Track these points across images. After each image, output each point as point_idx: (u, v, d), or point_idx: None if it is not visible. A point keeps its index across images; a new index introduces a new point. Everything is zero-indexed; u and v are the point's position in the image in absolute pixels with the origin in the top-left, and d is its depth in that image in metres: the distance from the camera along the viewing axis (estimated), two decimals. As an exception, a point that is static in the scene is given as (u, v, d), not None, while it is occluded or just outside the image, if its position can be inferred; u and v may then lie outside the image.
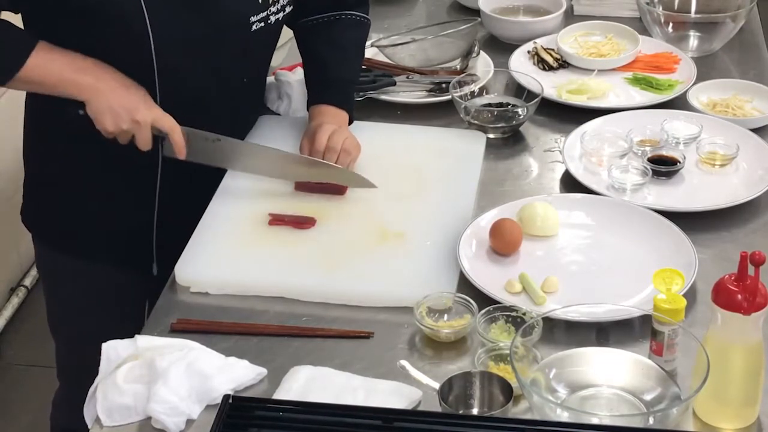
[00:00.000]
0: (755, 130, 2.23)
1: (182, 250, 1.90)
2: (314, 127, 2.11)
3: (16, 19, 1.95)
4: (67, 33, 1.90)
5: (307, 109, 2.19)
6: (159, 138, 1.96)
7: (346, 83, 2.20)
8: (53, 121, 2.02)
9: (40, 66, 1.88)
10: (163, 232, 2.09)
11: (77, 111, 1.92)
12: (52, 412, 2.38)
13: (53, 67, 1.89)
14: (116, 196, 2.07)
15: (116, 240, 2.11)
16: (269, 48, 2.13)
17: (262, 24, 2.00)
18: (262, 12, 1.99)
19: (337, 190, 2.05)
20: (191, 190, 2.05)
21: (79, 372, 1.78)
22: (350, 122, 2.18)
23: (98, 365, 1.66)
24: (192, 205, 2.01)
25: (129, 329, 1.73)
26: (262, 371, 1.66)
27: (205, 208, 2.02)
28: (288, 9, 2.06)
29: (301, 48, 2.23)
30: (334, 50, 2.18)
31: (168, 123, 1.94)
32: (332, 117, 2.13)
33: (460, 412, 1.58)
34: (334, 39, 2.17)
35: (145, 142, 1.93)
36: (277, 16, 2.03)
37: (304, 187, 2.06)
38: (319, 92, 2.18)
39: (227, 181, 2.08)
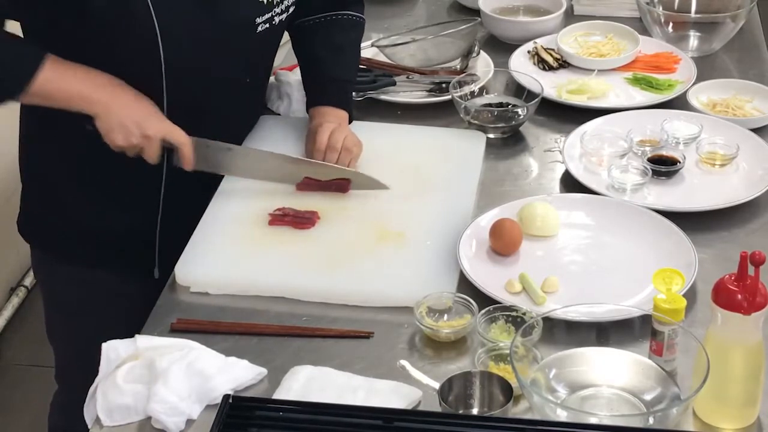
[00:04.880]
0: (755, 130, 2.23)
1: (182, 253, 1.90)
2: (315, 127, 2.11)
3: (15, 29, 1.93)
4: (74, 41, 1.89)
5: (307, 111, 2.19)
6: (166, 148, 1.95)
7: (345, 83, 2.20)
8: (51, 124, 2.00)
9: (50, 81, 1.86)
10: (166, 235, 2.09)
11: (86, 126, 1.90)
12: (50, 414, 2.37)
13: (63, 82, 1.87)
14: (119, 201, 2.05)
15: (117, 245, 2.09)
16: (273, 48, 2.14)
17: (267, 25, 2.00)
18: (267, 13, 1.99)
19: (340, 188, 2.05)
20: (195, 193, 2.04)
21: (78, 375, 1.78)
22: (350, 121, 2.18)
23: (97, 368, 1.65)
24: (196, 208, 2.00)
25: (128, 332, 1.72)
26: (262, 371, 1.66)
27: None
28: (291, 9, 2.06)
29: (298, 49, 2.23)
30: (332, 51, 2.18)
31: (179, 137, 1.93)
32: (332, 116, 2.14)
33: (460, 412, 1.58)
34: (331, 40, 2.18)
35: (153, 157, 1.92)
36: (281, 17, 2.03)
37: (305, 188, 2.06)
38: (317, 93, 2.19)
39: (227, 181, 2.08)
